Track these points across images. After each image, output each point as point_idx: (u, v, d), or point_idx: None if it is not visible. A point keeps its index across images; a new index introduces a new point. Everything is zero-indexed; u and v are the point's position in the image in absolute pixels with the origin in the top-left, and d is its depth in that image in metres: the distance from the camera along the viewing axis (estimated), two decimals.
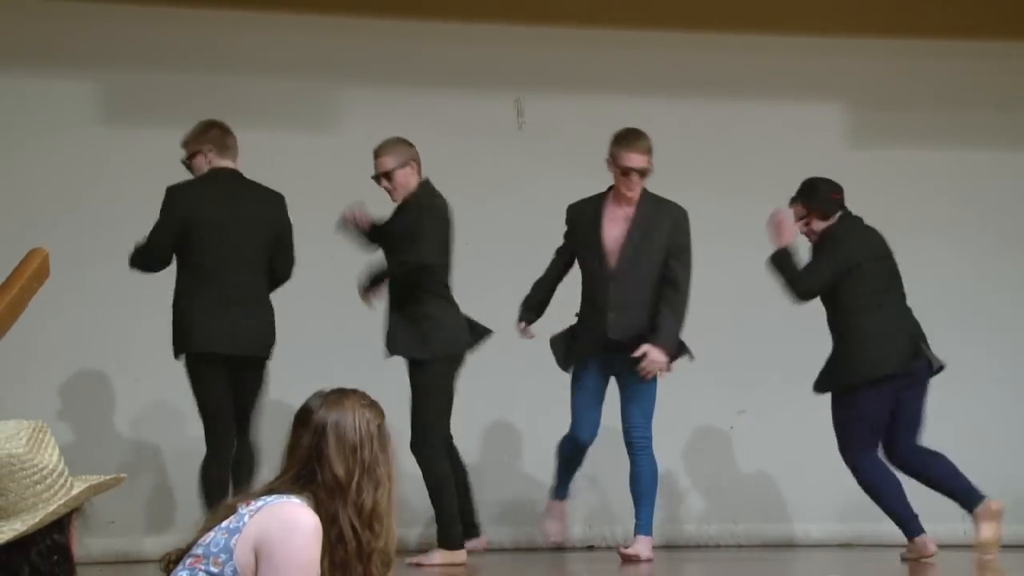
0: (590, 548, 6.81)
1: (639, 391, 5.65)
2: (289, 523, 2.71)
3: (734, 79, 7.17)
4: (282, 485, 2.82)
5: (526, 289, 6.24)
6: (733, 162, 7.13)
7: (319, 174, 6.94)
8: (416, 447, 5.52)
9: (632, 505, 5.75)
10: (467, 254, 6.50)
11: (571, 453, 5.81)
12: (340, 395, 2.90)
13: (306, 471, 2.81)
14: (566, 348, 5.81)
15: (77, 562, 2.44)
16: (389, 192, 5.80)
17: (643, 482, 5.62)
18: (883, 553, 5.97)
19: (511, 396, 6.65)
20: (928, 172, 7.24)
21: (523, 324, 5.90)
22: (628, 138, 5.83)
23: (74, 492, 2.34)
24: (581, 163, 7.04)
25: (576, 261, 5.91)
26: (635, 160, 5.77)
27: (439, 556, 5.53)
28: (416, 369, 5.59)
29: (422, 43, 7.01)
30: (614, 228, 5.79)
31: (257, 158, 6.86)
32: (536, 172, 7.04)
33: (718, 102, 7.15)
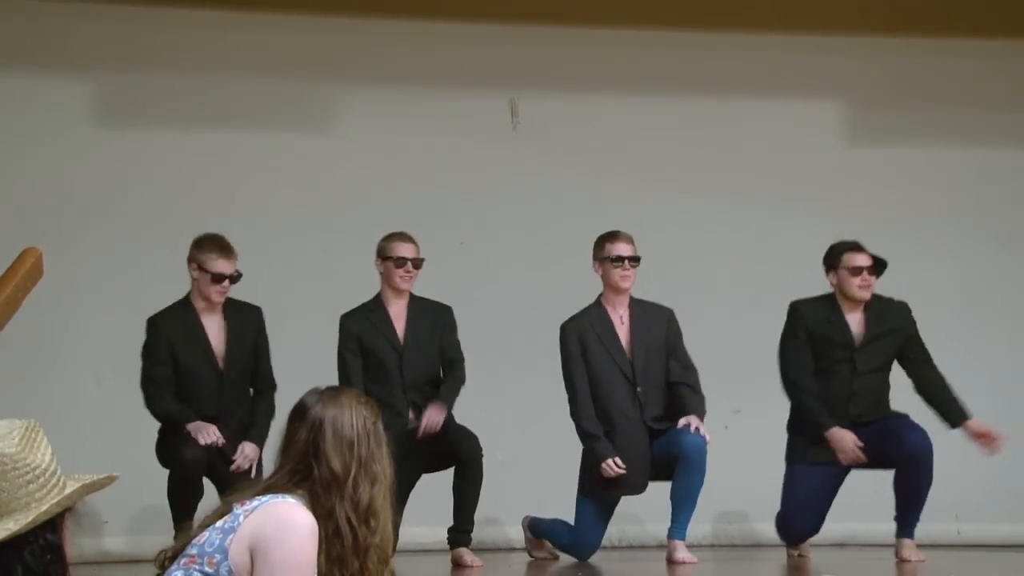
0: None
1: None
2: (285, 523, 2.71)
3: (730, 77, 7.17)
4: (278, 482, 2.82)
5: (518, 288, 6.22)
6: (730, 160, 7.13)
7: (314, 174, 6.94)
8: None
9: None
10: (460, 253, 6.51)
11: (566, 548, 5.84)
12: (336, 392, 2.90)
13: (303, 467, 2.81)
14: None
15: (70, 562, 2.43)
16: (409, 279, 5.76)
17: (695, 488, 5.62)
18: (876, 552, 5.97)
19: (502, 395, 6.64)
20: (925, 170, 7.24)
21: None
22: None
23: (67, 491, 2.34)
24: (576, 163, 7.05)
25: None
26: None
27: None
28: None
29: (416, 43, 7.01)
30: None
31: (252, 159, 6.88)
32: (531, 172, 7.04)
33: (714, 100, 7.15)
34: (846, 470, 5.82)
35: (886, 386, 5.83)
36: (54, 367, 6.59)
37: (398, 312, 5.76)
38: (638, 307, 5.86)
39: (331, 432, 2.81)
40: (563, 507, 6.51)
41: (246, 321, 5.68)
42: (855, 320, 5.83)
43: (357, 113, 6.99)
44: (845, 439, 5.68)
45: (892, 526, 5.80)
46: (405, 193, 6.87)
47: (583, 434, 5.70)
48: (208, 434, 5.44)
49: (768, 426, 6.84)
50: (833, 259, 5.90)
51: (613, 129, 7.12)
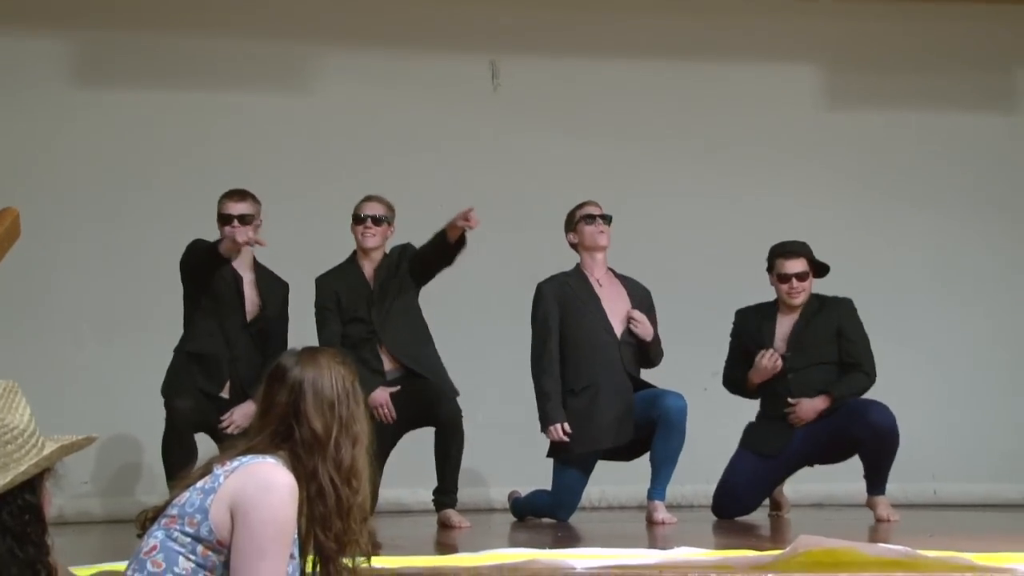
0: None
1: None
2: (264, 483, 2.71)
3: (709, 41, 7.16)
4: (259, 444, 2.82)
5: (499, 249, 6.22)
6: (709, 124, 7.13)
7: (292, 134, 6.91)
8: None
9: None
10: (441, 215, 6.49)
11: (547, 512, 5.82)
12: (314, 353, 2.90)
13: (283, 428, 2.82)
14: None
15: (49, 522, 2.43)
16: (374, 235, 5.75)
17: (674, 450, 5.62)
18: (854, 513, 6.01)
19: (483, 358, 6.64)
20: (904, 134, 7.25)
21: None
22: None
23: (45, 452, 2.34)
24: (556, 124, 7.03)
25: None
26: None
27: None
28: None
29: (396, 4, 6.97)
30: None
31: (230, 119, 6.84)
32: (510, 134, 7.02)
33: (692, 64, 7.14)
34: (792, 467, 5.85)
35: (837, 375, 5.78)
36: (33, 328, 6.57)
37: (370, 271, 5.79)
38: (617, 276, 5.87)
39: (311, 393, 2.81)
40: (543, 469, 6.50)
41: (275, 288, 5.78)
42: (787, 323, 5.82)
43: (336, 73, 6.95)
44: (760, 360, 5.70)
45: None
46: (384, 154, 6.85)
47: (539, 391, 5.70)
48: (241, 233, 5.47)
49: None
50: (770, 263, 5.90)
51: (593, 91, 7.10)
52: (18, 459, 2.30)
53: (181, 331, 5.70)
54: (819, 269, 5.86)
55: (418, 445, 5.68)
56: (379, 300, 5.74)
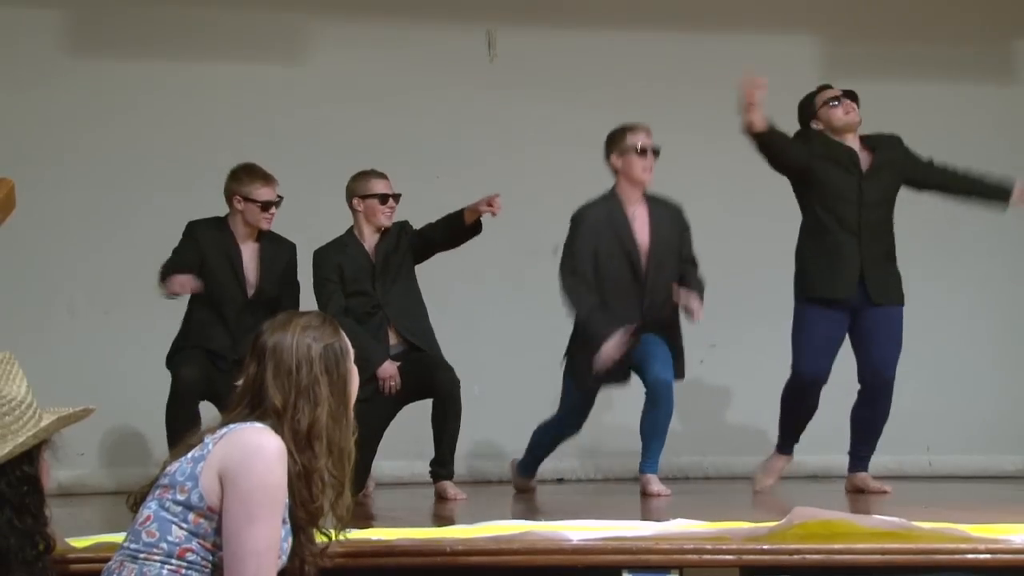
0: (560, 481, 6.86)
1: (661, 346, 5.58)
2: (252, 448, 2.72)
3: (708, 11, 7.14)
4: (238, 415, 2.83)
5: (497, 222, 6.21)
6: (706, 94, 7.10)
7: (286, 105, 6.89)
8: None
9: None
10: (437, 188, 6.48)
11: (554, 442, 5.75)
12: (286, 318, 2.90)
13: (255, 399, 2.83)
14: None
15: (47, 493, 2.44)
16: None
17: (662, 422, 5.54)
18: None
19: (479, 329, 6.65)
20: (899, 105, 7.22)
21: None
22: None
23: (43, 424, 2.34)
24: (553, 95, 7.01)
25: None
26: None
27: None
28: None
29: None
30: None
31: (225, 89, 6.82)
32: (507, 104, 7.01)
33: (689, 34, 7.12)
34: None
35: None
36: (28, 298, 6.57)
37: (371, 245, 5.79)
38: (651, 202, 5.72)
39: (272, 363, 2.83)
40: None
41: (279, 253, 5.76)
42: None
43: (332, 44, 6.93)
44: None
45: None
46: (380, 126, 6.84)
47: (580, 314, 5.51)
48: (182, 285, 5.47)
49: (743, 360, 6.89)
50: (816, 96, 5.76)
51: (589, 62, 7.08)
52: (16, 431, 2.31)
53: (180, 300, 5.68)
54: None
55: (414, 418, 5.69)
56: (382, 274, 5.74)
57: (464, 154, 6.73)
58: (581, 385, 5.61)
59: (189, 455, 2.78)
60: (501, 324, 6.82)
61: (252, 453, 2.71)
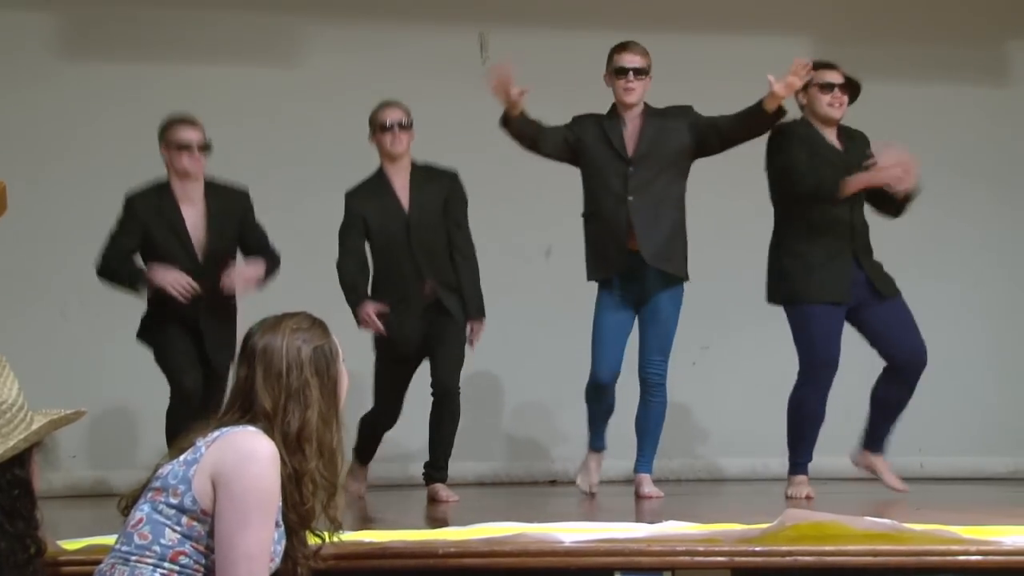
0: (552, 483, 6.87)
1: (660, 324, 5.52)
2: (245, 452, 2.72)
3: (698, 12, 7.14)
4: (230, 419, 2.83)
5: (488, 223, 6.21)
6: (696, 96, 7.08)
7: (280, 108, 6.88)
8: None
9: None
10: None
11: (594, 396, 5.59)
12: (277, 320, 2.89)
13: (245, 402, 2.83)
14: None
15: (39, 496, 2.44)
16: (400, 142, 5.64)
17: (656, 417, 5.51)
18: (840, 486, 6.04)
19: None
20: (891, 106, 7.24)
21: None
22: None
23: (34, 427, 2.34)
24: (545, 98, 7.01)
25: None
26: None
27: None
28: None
29: None
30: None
31: (217, 92, 6.81)
32: (500, 107, 7.00)
33: (681, 36, 7.12)
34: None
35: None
36: (20, 300, 6.56)
37: (402, 184, 5.64)
38: (652, 113, 5.67)
39: (262, 366, 2.82)
40: (533, 445, 6.55)
41: (228, 204, 5.50)
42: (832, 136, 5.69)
43: (325, 46, 6.93)
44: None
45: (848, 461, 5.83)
46: None
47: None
48: (175, 281, 5.27)
49: (735, 362, 6.90)
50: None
51: (583, 65, 7.05)
52: (7, 434, 2.31)
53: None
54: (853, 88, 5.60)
55: (408, 421, 5.69)
56: (414, 221, 5.57)
57: (456, 157, 6.72)
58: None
59: (181, 458, 2.78)
60: (492, 324, 6.81)
61: (245, 457, 2.71)
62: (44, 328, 6.58)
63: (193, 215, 5.48)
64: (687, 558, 3.35)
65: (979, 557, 3.39)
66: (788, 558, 3.36)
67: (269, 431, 2.79)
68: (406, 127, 5.67)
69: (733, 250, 6.53)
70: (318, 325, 2.90)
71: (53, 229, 6.64)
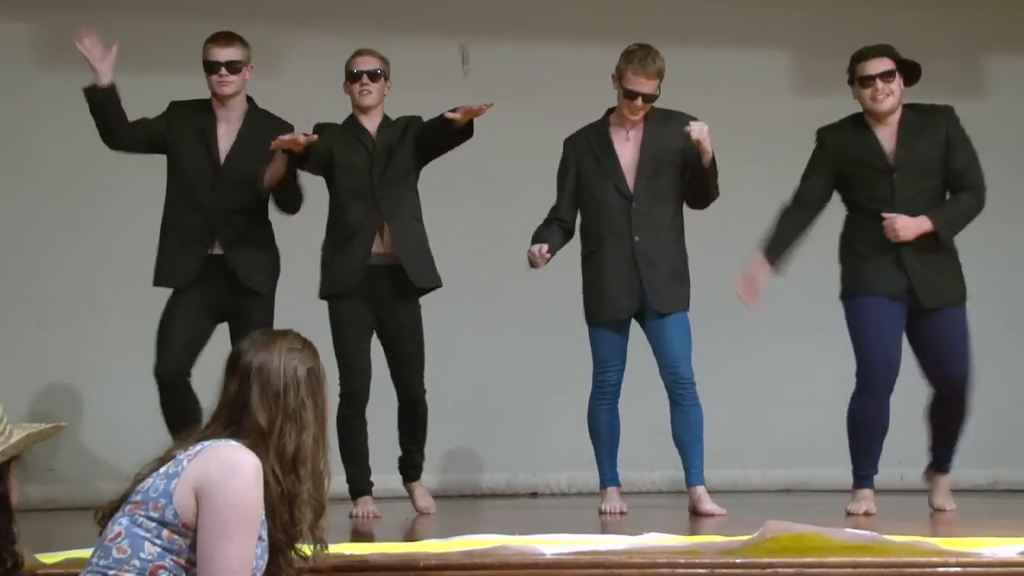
0: (533, 495, 6.86)
1: (676, 326, 5.37)
2: (229, 465, 2.71)
3: (679, 25, 7.16)
4: (213, 433, 2.82)
5: (470, 236, 6.21)
6: (680, 108, 7.13)
7: None
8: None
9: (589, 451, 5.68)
10: None
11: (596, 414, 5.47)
12: (270, 338, 2.89)
13: (233, 418, 2.82)
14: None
15: (16, 510, 2.42)
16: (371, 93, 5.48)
17: (695, 425, 5.34)
18: (823, 498, 6.05)
19: (451, 343, 6.64)
20: None
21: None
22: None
23: (13, 440, 2.33)
24: (526, 110, 7.02)
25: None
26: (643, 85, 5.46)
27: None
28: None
29: None
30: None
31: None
32: (482, 119, 7.01)
33: (663, 48, 7.13)
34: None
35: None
36: None
37: (372, 128, 5.53)
38: (655, 116, 5.56)
39: (258, 384, 2.81)
40: (515, 452, 6.52)
41: (267, 128, 5.30)
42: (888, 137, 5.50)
43: (306, 58, 6.92)
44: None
45: (839, 472, 5.82)
46: None
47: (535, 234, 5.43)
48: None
49: (718, 375, 6.89)
50: (851, 74, 5.36)
51: (563, 76, 7.10)
52: None
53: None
54: (910, 71, 5.25)
55: (385, 432, 5.67)
56: (380, 159, 5.43)
57: (436, 168, 6.72)
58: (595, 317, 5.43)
59: (162, 471, 2.77)
60: (473, 337, 6.81)
61: (229, 471, 2.70)
62: (23, 341, 6.55)
63: (225, 128, 5.38)
64: (668, 570, 3.35)
65: (958, 569, 3.40)
66: (768, 570, 3.37)
67: (260, 449, 2.78)
68: (376, 76, 5.49)
69: (714, 262, 6.52)
70: (308, 346, 2.92)
71: (33, 240, 6.61)
